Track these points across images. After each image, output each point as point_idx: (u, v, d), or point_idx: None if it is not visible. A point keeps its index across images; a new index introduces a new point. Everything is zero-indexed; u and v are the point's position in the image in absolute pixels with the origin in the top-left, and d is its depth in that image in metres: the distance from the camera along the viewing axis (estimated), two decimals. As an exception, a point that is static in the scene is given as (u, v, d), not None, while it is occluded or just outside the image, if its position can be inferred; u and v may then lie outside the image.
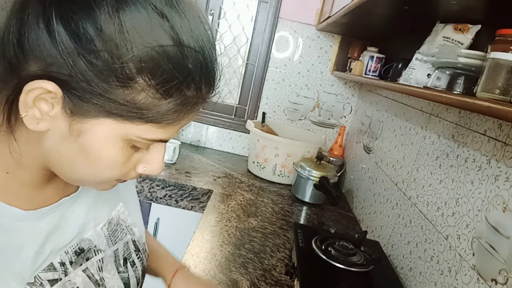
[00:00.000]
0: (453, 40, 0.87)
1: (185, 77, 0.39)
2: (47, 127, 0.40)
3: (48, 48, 0.36)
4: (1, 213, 0.42)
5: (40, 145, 0.42)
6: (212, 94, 0.45)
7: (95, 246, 0.54)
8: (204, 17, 0.42)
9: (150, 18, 0.37)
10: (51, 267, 0.46)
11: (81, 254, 0.51)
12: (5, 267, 0.41)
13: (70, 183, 0.48)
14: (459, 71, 0.82)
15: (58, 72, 0.37)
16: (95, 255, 0.53)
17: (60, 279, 0.47)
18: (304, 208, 1.55)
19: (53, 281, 0.46)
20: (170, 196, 1.53)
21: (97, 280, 0.53)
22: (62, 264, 0.48)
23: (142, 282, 0.64)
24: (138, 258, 0.62)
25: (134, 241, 0.62)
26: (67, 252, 0.49)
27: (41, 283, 0.45)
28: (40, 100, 0.38)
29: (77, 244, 0.51)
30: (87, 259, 0.52)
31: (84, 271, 0.51)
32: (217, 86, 0.45)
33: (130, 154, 0.44)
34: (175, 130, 0.44)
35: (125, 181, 0.49)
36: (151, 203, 1.56)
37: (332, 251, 1.02)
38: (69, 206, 0.51)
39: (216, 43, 0.44)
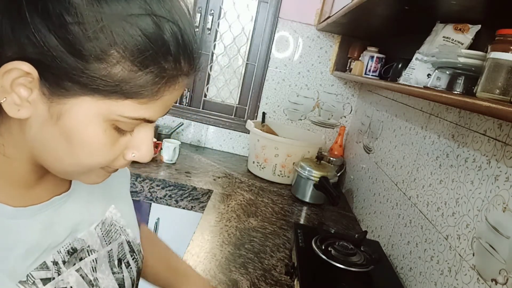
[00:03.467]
0: (453, 40, 0.87)
1: (160, 47, 0.38)
2: (27, 113, 0.39)
3: (20, 31, 0.36)
4: None
5: (23, 135, 0.42)
6: (194, 70, 0.43)
7: (89, 246, 0.53)
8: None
9: None
10: (44, 266, 0.46)
11: (74, 253, 0.51)
12: None
13: (58, 175, 0.47)
14: (459, 71, 0.82)
15: (32, 52, 0.36)
16: (89, 255, 0.53)
17: (53, 278, 0.47)
18: (304, 208, 1.55)
19: (45, 280, 0.46)
20: (170, 196, 1.53)
21: (90, 281, 0.52)
22: (55, 263, 0.48)
23: (137, 284, 0.64)
24: (133, 259, 0.62)
25: (128, 242, 0.61)
26: (60, 251, 0.49)
27: (34, 281, 0.44)
28: (19, 86, 0.38)
29: (70, 244, 0.50)
30: (81, 259, 0.51)
31: (77, 270, 0.50)
32: (198, 61, 0.44)
33: (115, 138, 0.42)
34: (159, 108, 0.42)
35: (116, 170, 0.47)
36: (151, 203, 1.56)
37: (332, 251, 1.02)
38: (61, 205, 0.50)
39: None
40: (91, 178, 0.47)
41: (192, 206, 1.54)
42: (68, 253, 0.50)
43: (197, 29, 0.43)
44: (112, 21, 0.36)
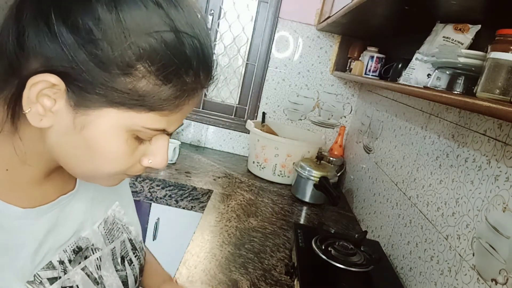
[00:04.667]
0: (453, 40, 0.87)
1: (183, 62, 0.40)
2: (50, 123, 0.40)
3: (48, 44, 0.37)
4: (1, 212, 0.42)
5: (43, 142, 0.43)
6: (211, 81, 0.46)
7: (93, 245, 0.54)
8: (197, 8, 0.43)
9: (146, 6, 0.38)
10: (50, 266, 0.46)
11: (79, 252, 0.51)
12: (6, 265, 0.42)
13: (76, 177, 0.48)
14: (459, 71, 0.82)
15: (60, 65, 0.37)
16: (93, 253, 0.54)
17: (60, 277, 0.47)
18: (304, 208, 1.55)
19: (52, 280, 0.46)
20: (170, 196, 1.53)
21: (95, 278, 0.53)
22: (61, 262, 0.48)
23: (139, 281, 0.64)
24: (135, 256, 0.62)
25: (130, 240, 0.62)
26: (66, 250, 0.49)
27: (41, 281, 0.45)
28: (43, 96, 0.38)
29: (75, 243, 0.51)
30: (85, 258, 0.52)
31: (83, 269, 0.51)
32: (214, 73, 0.46)
33: (135, 146, 0.44)
34: (177, 119, 0.44)
35: (131, 176, 0.50)
36: (151, 203, 1.56)
37: (332, 251, 1.02)
38: (67, 204, 0.51)
39: (214, 40, 0.46)
40: (109, 182, 0.49)
41: (192, 206, 1.54)
42: (73, 252, 0.50)
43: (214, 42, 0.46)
44: (139, 37, 0.37)
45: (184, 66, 0.40)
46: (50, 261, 0.47)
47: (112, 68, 0.37)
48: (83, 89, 0.38)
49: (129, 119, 0.41)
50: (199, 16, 0.43)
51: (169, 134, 0.47)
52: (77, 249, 0.51)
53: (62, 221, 0.50)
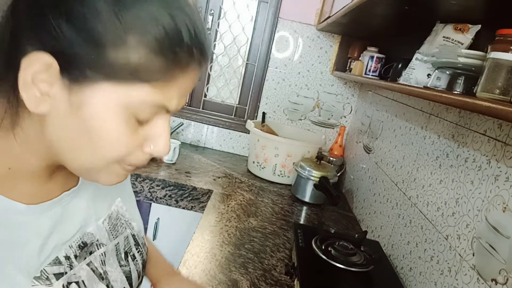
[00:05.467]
0: (453, 40, 0.87)
1: (175, 35, 0.40)
2: (47, 107, 0.40)
3: (39, 27, 0.38)
4: (4, 208, 0.42)
5: (43, 134, 0.43)
6: (205, 61, 0.45)
7: (97, 240, 0.54)
8: None
9: None
10: (57, 261, 0.47)
11: (85, 248, 0.52)
12: (11, 261, 0.42)
13: (75, 173, 0.47)
14: (459, 71, 0.82)
15: (51, 44, 0.38)
16: (98, 249, 0.54)
17: (66, 272, 0.48)
18: (304, 208, 1.55)
19: (58, 275, 0.46)
20: (170, 196, 1.53)
21: (100, 274, 0.53)
22: (67, 258, 0.48)
23: (142, 276, 0.65)
24: (138, 251, 0.63)
25: (133, 235, 0.63)
26: (71, 246, 0.50)
27: (47, 277, 0.45)
28: (39, 79, 0.39)
29: (80, 238, 0.51)
30: (90, 253, 0.52)
31: (88, 264, 0.51)
32: (209, 53, 0.46)
33: (134, 127, 0.43)
34: (174, 94, 0.43)
35: (133, 169, 0.48)
36: (151, 203, 1.56)
37: (332, 251, 1.02)
38: (70, 200, 0.51)
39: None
40: (110, 176, 0.47)
41: (192, 206, 1.54)
42: (79, 247, 0.51)
43: (208, 30, 0.47)
44: (129, 11, 0.38)
45: (176, 39, 0.40)
46: (57, 257, 0.47)
47: (102, 41, 0.38)
48: (76, 66, 0.38)
49: (124, 94, 0.40)
50: (191, 3, 0.43)
51: (168, 112, 0.45)
52: (82, 245, 0.51)
53: (66, 217, 0.50)
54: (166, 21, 0.40)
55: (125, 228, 0.61)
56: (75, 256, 0.50)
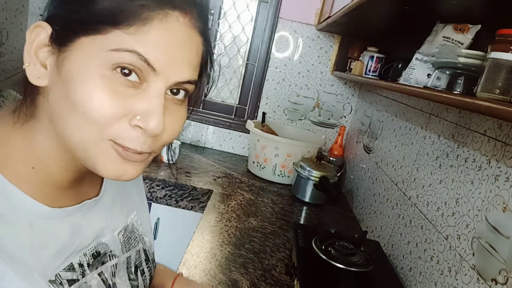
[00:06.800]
0: (453, 40, 0.87)
1: None
2: (45, 80, 0.42)
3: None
4: (31, 210, 0.43)
5: (52, 118, 0.44)
6: (188, 9, 0.42)
7: (111, 251, 0.54)
8: None
9: None
10: (71, 267, 0.47)
11: (98, 257, 0.51)
12: (32, 262, 0.42)
13: (76, 154, 0.44)
14: (459, 71, 0.82)
15: (43, 13, 0.42)
16: (110, 260, 0.54)
17: (78, 279, 0.47)
18: (304, 208, 1.55)
19: (71, 281, 0.46)
20: (170, 196, 1.53)
21: (110, 285, 0.53)
22: (81, 265, 0.48)
23: None
24: (147, 267, 0.63)
25: (145, 250, 0.62)
26: (86, 254, 0.49)
27: (61, 282, 0.45)
28: (39, 49, 0.42)
29: (95, 247, 0.51)
30: (103, 263, 0.52)
31: (99, 274, 0.51)
32: (192, 2, 0.43)
33: (119, 92, 0.40)
34: (150, 43, 0.40)
35: (126, 149, 0.42)
36: (151, 203, 1.56)
37: (332, 251, 1.02)
38: (90, 209, 0.51)
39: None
40: (105, 161, 0.43)
41: (192, 206, 1.54)
42: (92, 256, 0.51)
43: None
44: None
45: None
46: (71, 263, 0.47)
47: None
48: (62, 28, 0.41)
49: (100, 45, 0.39)
50: None
51: (154, 71, 0.41)
52: (96, 254, 0.51)
53: (85, 224, 0.50)
54: None
55: (138, 242, 0.61)
56: (88, 265, 0.49)
